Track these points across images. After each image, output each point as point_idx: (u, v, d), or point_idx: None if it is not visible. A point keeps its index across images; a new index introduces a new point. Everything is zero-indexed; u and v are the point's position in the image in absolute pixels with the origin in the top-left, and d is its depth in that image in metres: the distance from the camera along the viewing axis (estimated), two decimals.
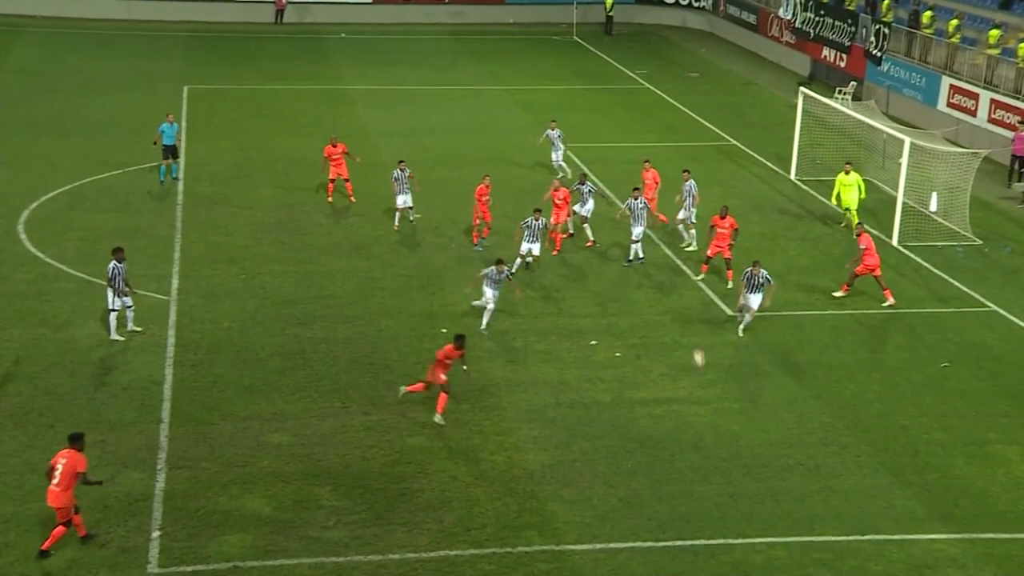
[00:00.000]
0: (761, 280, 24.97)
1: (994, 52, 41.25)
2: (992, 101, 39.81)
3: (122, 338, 24.03)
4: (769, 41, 56.56)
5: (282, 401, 21.94)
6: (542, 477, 19.67)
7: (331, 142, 33.12)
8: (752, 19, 58.59)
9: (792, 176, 36.98)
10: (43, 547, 17.14)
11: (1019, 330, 26.34)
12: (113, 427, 20.72)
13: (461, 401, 22.04)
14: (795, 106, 37.63)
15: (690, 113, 45.47)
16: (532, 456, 20.30)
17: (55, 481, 16.99)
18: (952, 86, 42.13)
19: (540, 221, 27.46)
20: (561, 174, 35.15)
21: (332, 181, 33.00)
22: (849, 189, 31.28)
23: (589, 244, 30.20)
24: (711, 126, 43.50)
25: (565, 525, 18.31)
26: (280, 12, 61.75)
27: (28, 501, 18.34)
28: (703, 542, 18.01)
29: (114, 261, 23.98)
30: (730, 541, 18.05)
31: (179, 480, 19.10)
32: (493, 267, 24.90)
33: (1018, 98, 38.91)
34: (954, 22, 43.56)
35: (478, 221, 29.84)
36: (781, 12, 54.71)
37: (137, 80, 47.71)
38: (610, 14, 62.54)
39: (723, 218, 27.57)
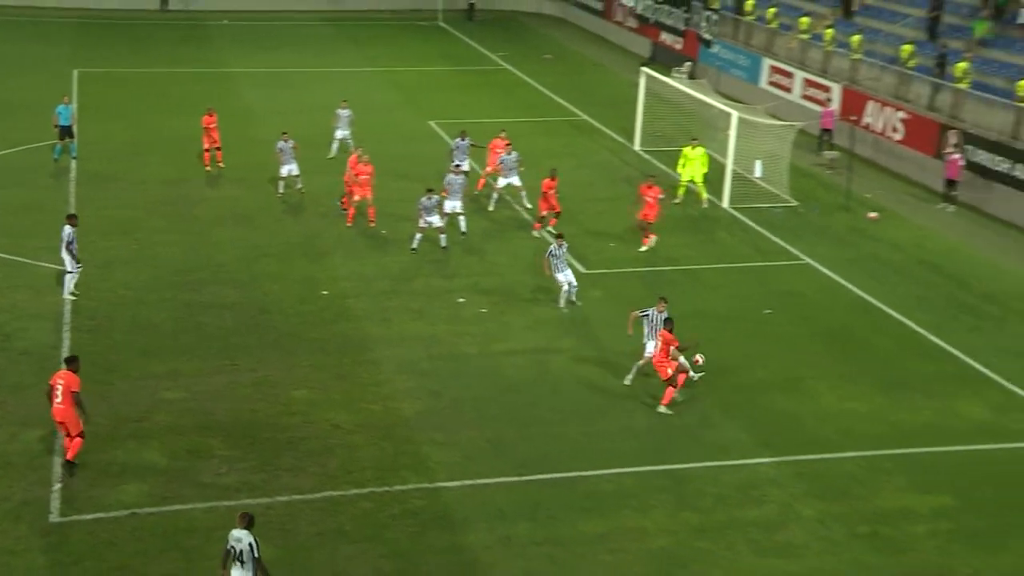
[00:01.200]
0: (661, 321, 20.74)
1: (805, 37, 42.37)
2: (805, 80, 40.95)
3: (78, 294, 23.51)
4: (614, 26, 56.95)
5: (175, 361, 21.38)
6: (416, 423, 19.64)
7: (208, 112, 32.48)
8: (599, 6, 58.85)
9: (636, 147, 37.44)
10: (68, 457, 17.12)
11: (828, 280, 27.27)
12: (12, 390, 19.94)
13: (343, 356, 21.85)
14: (637, 85, 38.05)
15: (546, 92, 45.54)
16: (407, 404, 20.24)
17: (58, 400, 17.06)
18: (772, 66, 43.15)
19: (433, 199, 27.05)
20: (333, 152, 33.47)
21: (207, 150, 32.44)
22: (693, 162, 31.64)
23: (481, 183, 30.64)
24: (565, 103, 43.66)
25: (437, 465, 18.34)
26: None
27: None
28: (561, 475, 18.24)
29: (68, 226, 23.31)
30: (584, 473, 18.32)
31: None
32: (553, 244, 24.11)
33: (826, 77, 40.11)
34: (772, 10, 44.57)
35: (358, 196, 29.38)
36: (624, 0, 55.18)
37: (30, 63, 45.55)
38: (472, 1, 62.07)
39: (553, 179, 28.03)
